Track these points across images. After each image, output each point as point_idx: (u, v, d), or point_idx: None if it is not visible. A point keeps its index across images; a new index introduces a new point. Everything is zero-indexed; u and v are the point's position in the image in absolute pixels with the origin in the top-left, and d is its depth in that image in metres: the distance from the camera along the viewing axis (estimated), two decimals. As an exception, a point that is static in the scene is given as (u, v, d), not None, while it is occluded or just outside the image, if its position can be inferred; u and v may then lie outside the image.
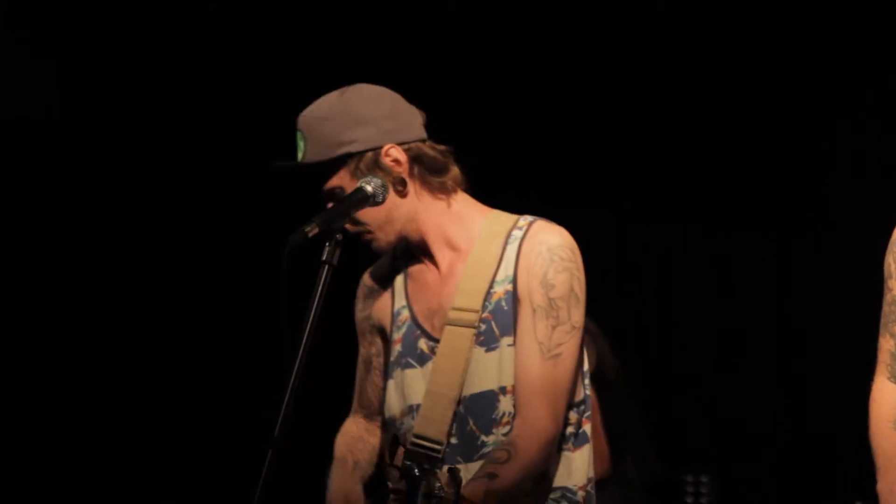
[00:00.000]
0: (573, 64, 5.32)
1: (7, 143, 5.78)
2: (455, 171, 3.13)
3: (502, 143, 5.34)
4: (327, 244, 2.92)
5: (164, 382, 5.81)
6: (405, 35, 5.51)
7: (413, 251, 3.18)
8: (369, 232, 3.10)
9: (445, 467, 2.78)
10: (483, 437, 3.05)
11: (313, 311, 2.88)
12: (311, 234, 2.88)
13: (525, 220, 3.11)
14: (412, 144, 3.10)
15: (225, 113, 5.82)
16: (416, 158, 3.09)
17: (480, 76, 5.43)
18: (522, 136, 5.44)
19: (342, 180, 3.08)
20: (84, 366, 5.87)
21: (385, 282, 3.25)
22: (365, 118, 3.09)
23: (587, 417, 3.13)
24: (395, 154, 3.08)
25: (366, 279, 3.29)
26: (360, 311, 3.29)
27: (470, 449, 3.05)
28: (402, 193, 3.09)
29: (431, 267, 3.16)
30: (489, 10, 5.47)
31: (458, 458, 3.05)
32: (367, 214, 3.06)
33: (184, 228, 5.81)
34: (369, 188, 3.02)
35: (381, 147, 3.07)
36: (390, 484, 2.81)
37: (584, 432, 3.12)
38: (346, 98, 3.11)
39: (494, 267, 3.07)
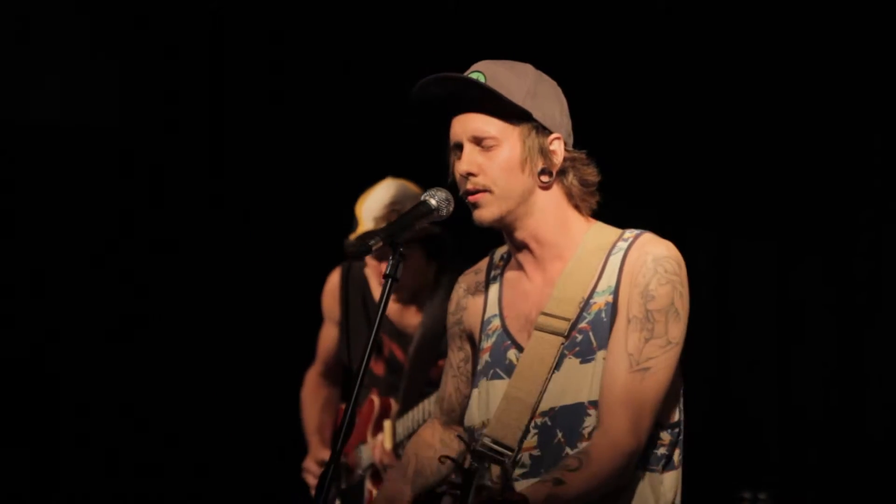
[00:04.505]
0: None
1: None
2: (597, 195, 3.10)
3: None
4: (391, 258, 2.91)
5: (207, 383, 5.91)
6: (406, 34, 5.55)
7: (513, 257, 3.11)
8: (488, 190, 3.00)
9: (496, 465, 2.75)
10: (569, 450, 2.96)
11: (376, 323, 2.88)
12: (374, 248, 2.88)
13: (631, 232, 3.04)
14: (574, 150, 3.07)
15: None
16: (572, 162, 3.05)
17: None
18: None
19: (503, 133, 3.01)
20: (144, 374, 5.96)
21: (479, 288, 3.18)
22: (551, 100, 3.06)
23: (680, 443, 3.06)
24: (559, 147, 3.04)
25: (461, 283, 3.23)
26: (452, 315, 3.23)
27: (556, 461, 2.95)
28: (544, 186, 3.03)
29: (530, 276, 3.08)
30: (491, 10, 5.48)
31: (542, 471, 2.96)
32: (508, 172, 2.98)
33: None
34: (433, 202, 3.00)
35: (553, 132, 3.04)
36: (452, 477, 2.80)
37: (675, 457, 3.05)
38: (538, 73, 3.07)
39: (593, 277, 3.00)
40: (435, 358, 4.52)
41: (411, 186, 4.59)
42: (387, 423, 4.58)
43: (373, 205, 4.57)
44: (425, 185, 3.09)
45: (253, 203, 5.93)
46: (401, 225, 2.96)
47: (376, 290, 4.67)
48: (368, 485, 4.65)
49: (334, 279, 4.79)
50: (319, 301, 4.85)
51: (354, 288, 4.72)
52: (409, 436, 4.51)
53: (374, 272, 4.61)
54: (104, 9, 5.82)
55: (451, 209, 3.02)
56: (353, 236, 4.54)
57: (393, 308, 4.67)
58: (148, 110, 5.89)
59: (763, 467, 5.24)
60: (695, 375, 5.13)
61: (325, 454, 4.71)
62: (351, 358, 4.66)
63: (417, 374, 4.57)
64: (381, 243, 2.90)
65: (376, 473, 4.64)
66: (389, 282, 2.90)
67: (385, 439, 4.58)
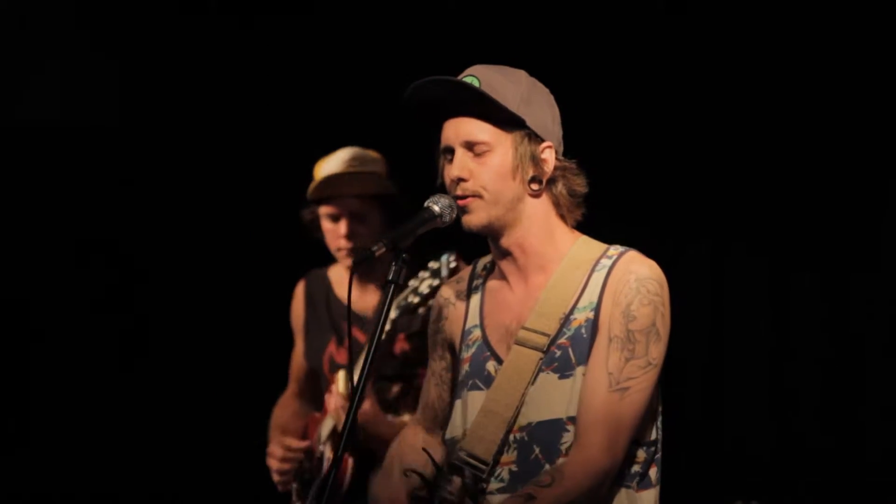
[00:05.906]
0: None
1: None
2: (583, 207, 3.11)
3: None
4: (393, 263, 2.91)
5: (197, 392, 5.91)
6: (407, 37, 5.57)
7: (497, 265, 3.12)
8: (478, 195, 3.02)
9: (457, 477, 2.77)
10: (548, 466, 2.97)
11: (378, 327, 2.88)
12: (377, 254, 2.89)
13: (616, 249, 3.06)
14: (564, 159, 3.08)
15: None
16: (562, 171, 3.07)
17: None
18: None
19: (496, 139, 3.02)
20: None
21: (461, 297, 3.19)
22: (544, 108, 3.07)
23: (657, 461, 3.06)
24: (550, 155, 3.06)
25: (443, 292, 3.24)
26: (433, 324, 3.24)
27: (534, 477, 2.95)
28: (534, 193, 3.05)
29: (513, 286, 3.09)
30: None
31: (520, 486, 2.96)
32: (499, 179, 3.00)
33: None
34: (436, 208, 3.00)
35: (545, 140, 3.06)
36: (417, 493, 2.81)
37: (651, 475, 3.05)
38: (532, 79, 3.08)
39: (576, 293, 3.01)
40: (394, 333, 4.51)
41: (370, 152, 4.67)
42: (340, 372, 4.57)
43: (330, 163, 4.65)
44: (424, 192, 3.10)
45: (246, 208, 5.92)
46: (404, 231, 2.96)
47: (338, 288, 4.71)
48: (328, 453, 4.65)
49: (298, 290, 4.82)
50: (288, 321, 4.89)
51: (317, 289, 4.74)
52: (364, 379, 4.51)
53: (338, 271, 4.68)
54: (104, 8, 5.83)
55: (454, 216, 3.02)
56: (309, 190, 4.61)
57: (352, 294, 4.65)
58: (148, 110, 5.89)
59: (755, 480, 5.24)
60: (690, 386, 5.19)
61: (287, 441, 4.68)
62: (310, 357, 4.70)
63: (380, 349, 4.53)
64: (383, 249, 2.90)
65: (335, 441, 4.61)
66: (391, 287, 2.90)
67: (339, 385, 4.57)
